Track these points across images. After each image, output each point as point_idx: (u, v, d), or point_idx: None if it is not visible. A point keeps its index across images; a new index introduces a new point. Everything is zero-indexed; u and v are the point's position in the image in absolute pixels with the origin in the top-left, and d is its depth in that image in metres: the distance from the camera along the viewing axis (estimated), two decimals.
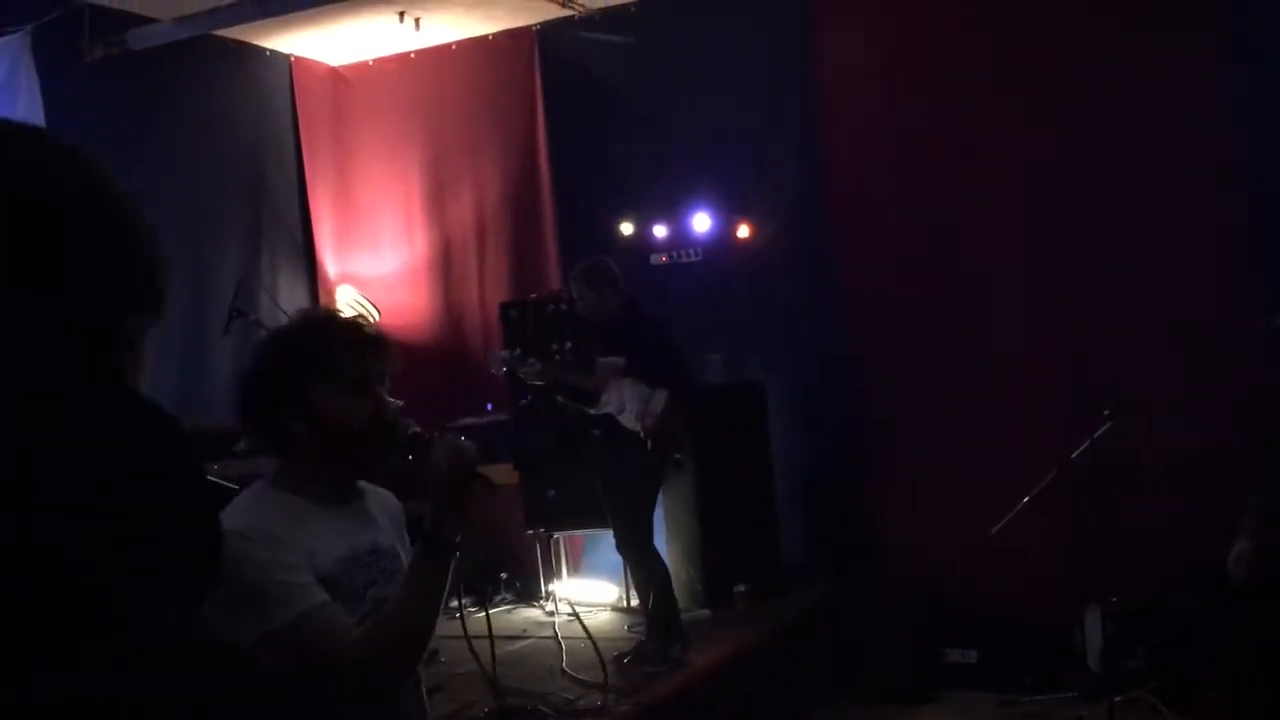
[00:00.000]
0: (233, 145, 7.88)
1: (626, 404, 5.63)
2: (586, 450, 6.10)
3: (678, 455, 5.92)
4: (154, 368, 1.16)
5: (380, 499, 2.30)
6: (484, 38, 8.02)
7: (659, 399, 5.56)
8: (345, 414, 2.11)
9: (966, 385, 6.54)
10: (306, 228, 8.43)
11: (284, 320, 3.04)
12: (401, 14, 7.39)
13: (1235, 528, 4.42)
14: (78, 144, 1.11)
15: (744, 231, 7.21)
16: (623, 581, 6.65)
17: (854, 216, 6.88)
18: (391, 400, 2.16)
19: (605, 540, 6.19)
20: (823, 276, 6.99)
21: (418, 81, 8.30)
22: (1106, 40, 6.20)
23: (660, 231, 7.40)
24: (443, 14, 7.52)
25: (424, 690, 2.30)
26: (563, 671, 5.55)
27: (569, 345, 6.61)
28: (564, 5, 7.51)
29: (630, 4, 7.45)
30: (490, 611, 6.82)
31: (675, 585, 5.86)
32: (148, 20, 6.86)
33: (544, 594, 6.86)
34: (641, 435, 5.55)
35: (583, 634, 5.48)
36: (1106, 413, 5.37)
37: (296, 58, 8.28)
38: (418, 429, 2.18)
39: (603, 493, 5.76)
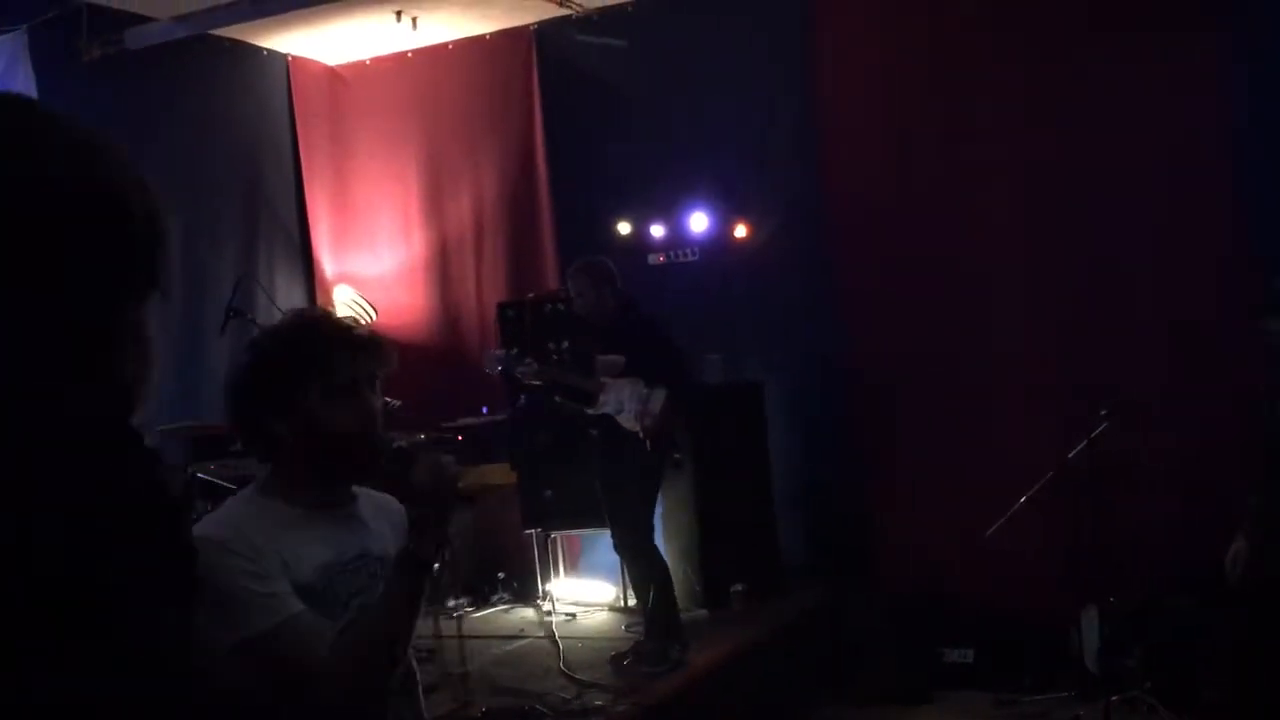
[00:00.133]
0: (230, 145, 7.87)
1: (625, 404, 5.61)
2: (584, 450, 6.09)
3: (676, 455, 5.92)
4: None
5: (379, 503, 2.26)
6: (481, 37, 8.01)
7: (658, 399, 5.55)
8: (333, 417, 2.08)
9: (966, 385, 6.54)
10: (304, 227, 8.42)
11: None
12: (399, 13, 7.38)
13: (1232, 528, 4.43)
14: (75, 115, 1.07)
15: (742, 231, 7.21)
16: (620, 581, 6.65)
17: (853, 216, 6.87)
18: (390, 400, 2.14)
19: (603, 540, 6.18)
20: (821, 276, 6.98)
21: (415, 81, 8.29)
22: (1106, 40, 6.20)
23: (658, 231, 7.40)
24: (440, 13, 7.51)
25: (421, 691, 2.28)
26: (560, 671, 5.56)
27: (566, 344, 6.59)
28: (561, 5, 7.49)
29: (628, 3, 7.44)
30: (487, 611, 6.86)
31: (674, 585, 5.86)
32: (145, 19, 6.85)
33: (541, 594, 6.85)
34: (640, 435, 5.54)
35: (579, 634, 5.48)
36: (1104, 413, 5.37)
37: (294, 57, 8.28)
38: (402, 443, 2.16)
39: (602, 493, 5.75)
